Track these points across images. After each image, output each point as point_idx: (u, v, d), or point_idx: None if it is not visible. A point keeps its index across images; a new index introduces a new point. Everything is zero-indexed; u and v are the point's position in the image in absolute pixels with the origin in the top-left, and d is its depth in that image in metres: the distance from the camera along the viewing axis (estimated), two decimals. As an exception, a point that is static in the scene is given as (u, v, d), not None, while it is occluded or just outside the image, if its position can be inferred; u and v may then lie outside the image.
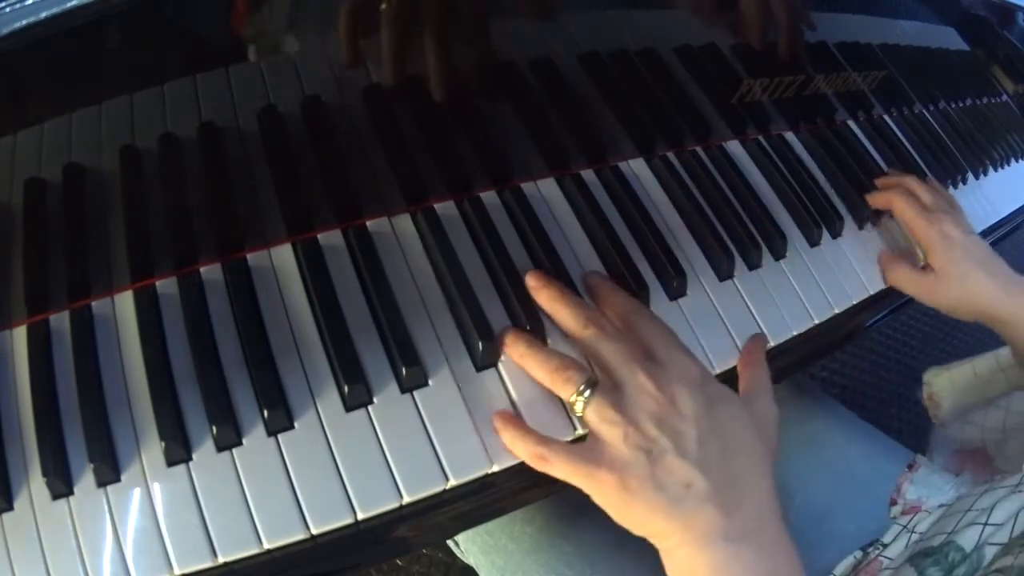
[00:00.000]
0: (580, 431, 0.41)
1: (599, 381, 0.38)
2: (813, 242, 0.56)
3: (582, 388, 0.38)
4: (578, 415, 0.38)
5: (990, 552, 0.41)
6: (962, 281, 0.54)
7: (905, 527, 0.55)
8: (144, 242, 0.40)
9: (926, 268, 0.56)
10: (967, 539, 0.44)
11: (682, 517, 0.35)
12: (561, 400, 0.41)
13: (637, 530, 0.37)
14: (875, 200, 0.60)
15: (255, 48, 0.36)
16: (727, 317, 0.49)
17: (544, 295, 0.42)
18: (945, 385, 0.70)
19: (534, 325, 0.42)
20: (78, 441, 0.36)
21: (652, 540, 0.37)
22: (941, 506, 0.55)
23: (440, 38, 0.40)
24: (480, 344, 0.41)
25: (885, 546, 0.54)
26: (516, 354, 0.41)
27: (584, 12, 0.47)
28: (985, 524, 0.43)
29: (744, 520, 0.36)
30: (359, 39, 0.38)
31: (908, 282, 0.56)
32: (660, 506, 0.35)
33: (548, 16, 0.45)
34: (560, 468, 0.37)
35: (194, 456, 0.36)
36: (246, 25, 0.35)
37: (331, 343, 0.40)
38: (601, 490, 0.37)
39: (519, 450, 0.38)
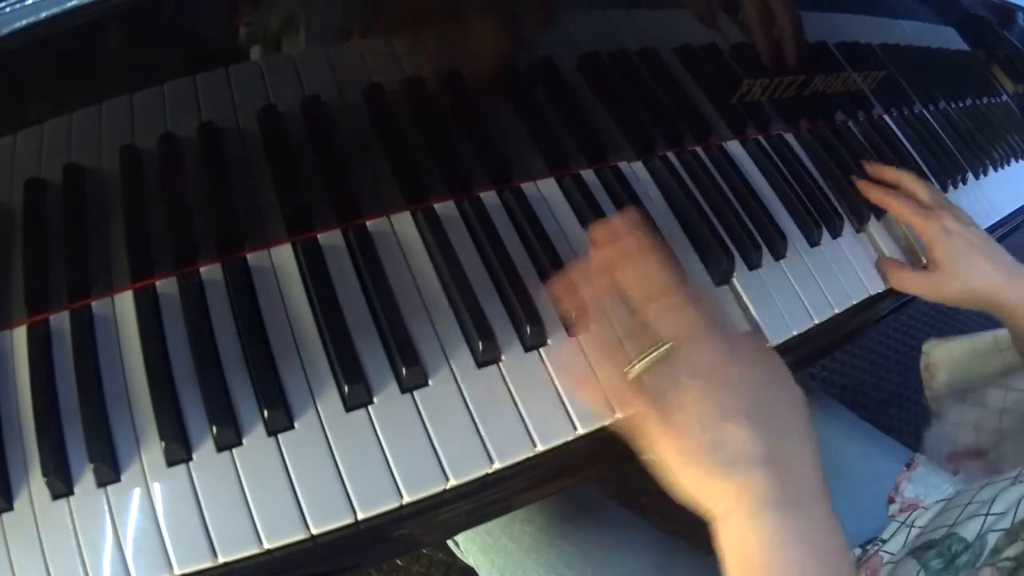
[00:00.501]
0: (581, 430, 0.41)
1: (661, 346, 0.39)
2: (813, 242, 0.56)
3: (646, 351, 0.39)
4: (638, 371, 0.39)
5: (992, 539, 0.41)
6: (965, 271, 0.54)
7: (904, 523, 0.55)
8: (144, 242, 0.40)
9: (927, 266, 0.56)
10: (969, 530, 0.44)
11: (737, 479, 0.36)
12: (561, 399, 0.41)
13: (688, 494, 0.38)
14: (872, 196, 0.60)
15: (259, 48, 0.36)
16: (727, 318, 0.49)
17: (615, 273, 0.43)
18: (943, 355, 0.70)
19: (534, 325, 0.42)
20: (78, 441, 0.36)
21: (704, 507, 0.38)
22: (939, 501, 0.55)
23: (441, 38, 0.40)
24: (480, 344, 0.41)
25: (884, 542, 0.54)
26: (581, 327, 0.43)
27: (584, 12, 0.47)
28: (987, 515, 0.44)
29: (793, 489, 0.37)
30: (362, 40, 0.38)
31: (912, 282, 0.56)
32: (716, 468, 0.36)
33: (549, 16, 0.45)
34: (636, 405, 0.38)
35: (194, 456, 0.36)
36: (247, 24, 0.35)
37: (331, 343, 0.40)
38: (660, 446, 0.38)
39: (603, 401, 0.41)
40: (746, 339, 0.41)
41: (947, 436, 0.69)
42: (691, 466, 0.37)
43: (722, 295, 0.50)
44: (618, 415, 0.42)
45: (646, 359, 0.39)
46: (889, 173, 0.62)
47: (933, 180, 0.70)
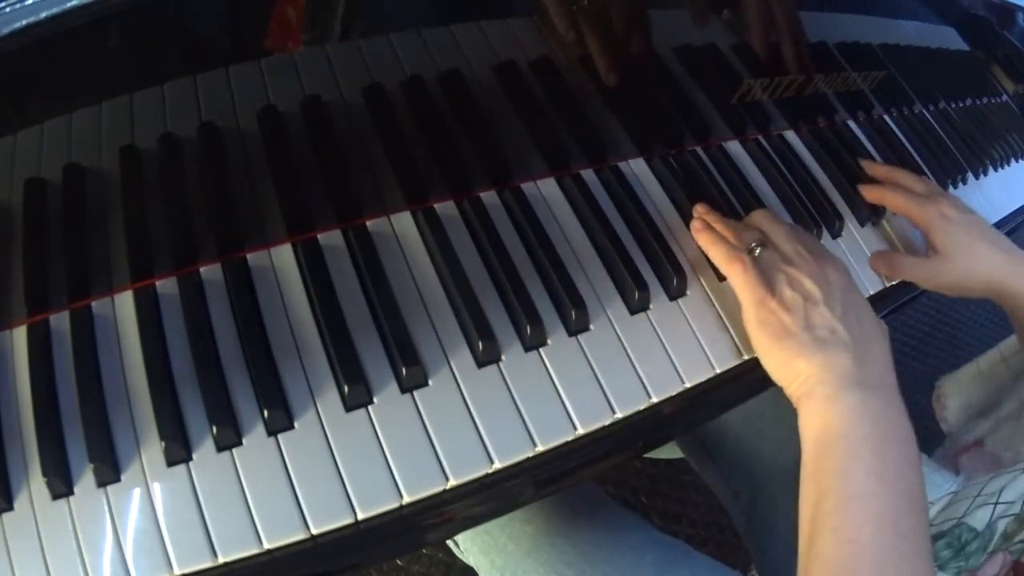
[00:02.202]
0: (581, 431, 0.41)
1: (769, 244, 0.47)
2: (813, 242, 0.56)
3: (754, 245, 0.47)
4: (754, 258, 0.46)
5: (1002, 525, 0.41)
6: (966, 256, 0.54)
7: None
8: (144, 242, 0.40)
9: (927, 254, 0.56)
10: (978, 519, 0.44)
11: (823, 357, 0.41)
12: (561, 397, 0.41)
13: (779, 371, 0.43)
14: (868, 193, 0.60)
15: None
16: (728, 318, 0.49)
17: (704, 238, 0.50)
18: (951, 384, 0.70)
19: (534, 326, 0.42)
20: (78, 441, 0.36)
21: (791, 385, 0.43)
22: (947, 494, 0.55)
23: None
24: (480, 344, 0.41)
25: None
26: (702, 226, 0.49)
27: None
28: (996, 503, 0.44)
29: (872, 374, 0.42)
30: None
31: (911, 269, 0.56)
32: (807, 344, 0.42)
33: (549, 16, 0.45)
34: (744, 279, 0.45)
35: (194, 456, 0.37)
36: (289, 42, 0.35)
37: (331, 343, 0.40)
38: (761, 319, 0.44)
39: (716, 252, 0.47)
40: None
41: (953, 439, 0.69)
42: (784, 341, 0.42)
43: (724, 293, 0.50)
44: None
45: (755, 251, 0.46)
46: (882, 170, 0.62)
47: (933, 180, 0.70)
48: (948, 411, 0.69)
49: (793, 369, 0.42)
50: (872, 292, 0.57)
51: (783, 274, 0.45)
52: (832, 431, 0.40)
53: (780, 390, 0.44)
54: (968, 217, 0.56)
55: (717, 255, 0.47)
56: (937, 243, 0.55)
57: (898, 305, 0.59)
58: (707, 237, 0.48)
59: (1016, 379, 0.65)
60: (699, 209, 0.51)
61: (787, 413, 0.44)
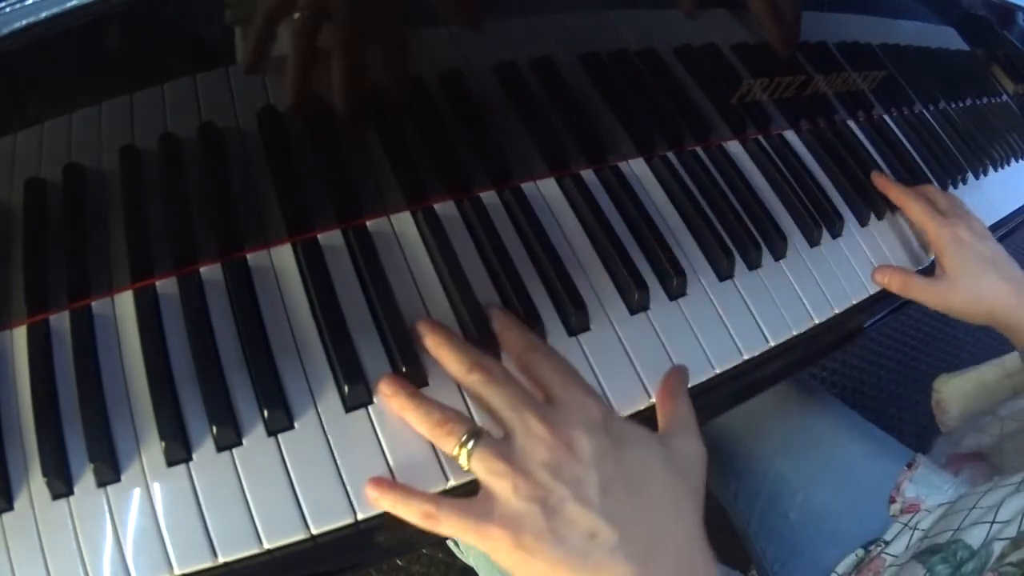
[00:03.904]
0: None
1: (482, 431, 0.35)
2: (813, 242, 0.56)
3: (464, 439, 0.35)
4: (466, 469, 0.35)
5: (998, 547, 0.41)
6: (974, 283, 0.53)
7: (907, 525, 0.55)
8: (144, 242, 0.40)
9: (934, 272, 0.56)
10: (974, 537, 0.44)
11: (590, 573, 0.31)
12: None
13: None
14: (890, 190, 0.60)
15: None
16: (727, 317, 0.49)
17: (430, 342, 0.39)
18: (953, 392, 0.70)
19: (534, 326, 0.42)
20: (78, 441, 0.36)
21: None
22: (942, 504, 0.55)
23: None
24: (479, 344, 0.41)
25: (887, 543, 0.54)
26: (396, 406, 0.38)
27: (584, 12, 0.47)
28: (992, 522, 0.44)
29: (663, 569, 0.32)
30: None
31: (918, 289, 0.56)
32: (562, 562, 0.31)
33: (548, 16, 0.45)
34: (450, 526, 0.33)
35: (194, 456, 0.36)
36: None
37: (331, 343, 0.40)
38: (496, 548, 0.33)
39: (404, 512, 0.35)
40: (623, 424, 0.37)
41: (950, 439, 0.69)
42: (533, 566, 0.32)
43: (724, 293, 0.50)
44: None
45: (467, 446, 0.34)
46: (910, 187, 0.61)
47: (933, 180, 0.70)
48: (949, 417, 0.69)
49: None
50: (873, 292, 0.57)
51: (506, 479, 0.33)
52: None
53: (780, 391, 0.44)
54: (983, 244, 0.55)
55: (411, 504, 0.35)
56: (946, 265, 0.55)
57: (897, 306, 0.59)
58: (412, 415, 0.37)
59: (1017, 395, 0.65)
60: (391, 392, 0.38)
61: (787, 414, 0.44)
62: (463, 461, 0.35)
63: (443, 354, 0.39)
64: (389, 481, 0.36)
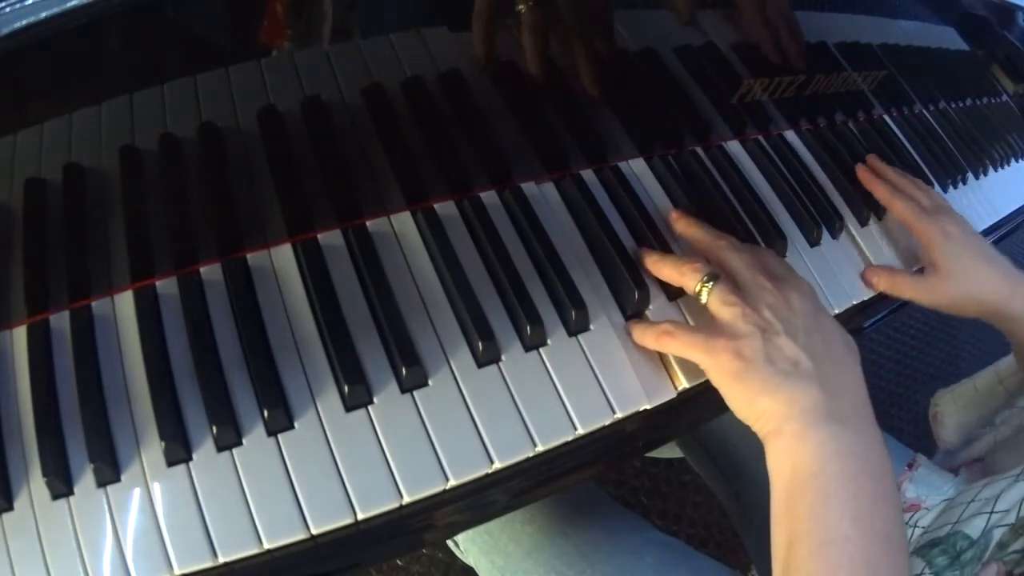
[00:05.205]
0: (581, 431, 0.41)
1: (720, 275, 0.43)
2: (813, 242, 0.56)
3: (706, 278, 0.43)
4: (703, 303, 0.43)
5: (997, 535, 0.41)
6: (964, 276, 0.54)
7: (907, 523, 0.55)
8: (144, 242, 0.40)
9: (925, 270, 0.56)
10: (973, 528, 0.44)
11: (788, 391, 0.39)
12: (561, 397, 0.41)
13: (743, 410, 0.40)
14: (876, 190, 0.60)
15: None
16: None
17: (681, 223, 0.50)
18: (949, 403, 0.70)
19: (534, 326, 0.42)
20: (78, 441, 0.36)
21: (757, 423, 0.40)
22: (943, 501, 0.55)
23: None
24: (480, 344, 0.41)
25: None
26: (649, 262, 0.47)
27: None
28: (991, 512, 0.44)
29: (843, 405, 0.39)
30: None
31: (907, 286, 0.56)
32: (769, 379, 0.39)
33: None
34: (684, 340, 0.42)
35: (194, 456, 0.37)
36: (280, 37, 0.35)
37: (331, 343, 0.40)
38: (717, 361, 0.41)
39: (646, 338, 0.44)
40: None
41: (948, 456, 0.69)
42: (744, 378, 0.39)
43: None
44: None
45: (707, 284, 0.43)
46: (891, 174, 0.62)
47: (933, 180, 0.70)
48: (946, 430, 0.69)
49: (757, 407, 0.40)
50: (869, 296, 0.57)
51: (737, 308, 0.41)
52: (802, 471, 0.37)
53: None
54: (969, 237, 0.55)
55: (651, 329, 0.44)
56: (936, 260, 0.55)
57: (897, 306, 0.59)
58: (664, 264, 0.46)
59: (1011, 400, 0.65)
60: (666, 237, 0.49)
61: None
62: (703, 296, 0.43)
63: (693, 231, 0.49)
64: (640, 321, 0.46)
